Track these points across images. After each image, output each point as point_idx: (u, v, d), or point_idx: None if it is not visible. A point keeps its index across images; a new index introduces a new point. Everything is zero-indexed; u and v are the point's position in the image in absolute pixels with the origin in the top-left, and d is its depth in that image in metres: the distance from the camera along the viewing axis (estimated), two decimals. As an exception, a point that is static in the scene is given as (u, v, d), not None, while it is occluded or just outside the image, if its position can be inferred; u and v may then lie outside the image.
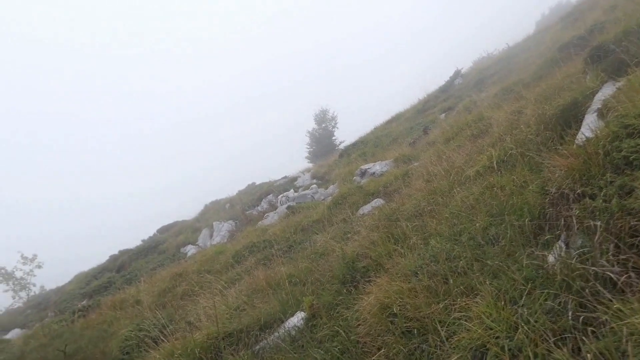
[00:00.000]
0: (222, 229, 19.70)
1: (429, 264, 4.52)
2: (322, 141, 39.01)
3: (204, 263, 11.90)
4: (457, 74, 25.14)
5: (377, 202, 10.78)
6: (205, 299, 8.20)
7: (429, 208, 6.49)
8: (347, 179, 15.72)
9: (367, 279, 5.49)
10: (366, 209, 10.63)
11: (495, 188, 5.64)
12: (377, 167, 14.05)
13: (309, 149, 40.09)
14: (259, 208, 19.38)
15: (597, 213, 3.10)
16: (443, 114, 20.63)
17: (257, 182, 29.63)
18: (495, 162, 6.62)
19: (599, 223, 2.89)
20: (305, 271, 7.41)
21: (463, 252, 4.51)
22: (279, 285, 7.12)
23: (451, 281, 3.97)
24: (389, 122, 27.00)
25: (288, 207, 14.59)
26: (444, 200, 6.43)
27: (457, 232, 5.14)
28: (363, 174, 14.20)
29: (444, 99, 23.59)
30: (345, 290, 5.57)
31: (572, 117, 5.84)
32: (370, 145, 22.20)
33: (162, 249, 21.72)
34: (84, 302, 16.91)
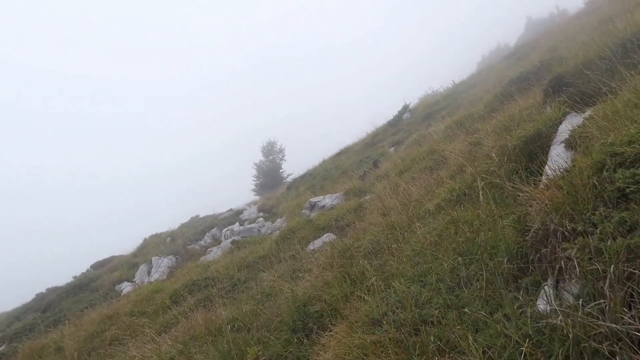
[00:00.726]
0: (162, 265, 18.41)
1: (395, 310, 3.91)
2: (269, 174, 38.30)
3: (138, 303, 10.78)
4: (406, 108, 25.34)
5: (328, 236, 10.17)
6: (136, 347, 7.23)
7: (387, 244, 5.94)
8: (296, 212, 15.08)
9: (321, 327, 4.82)
10: (317, 244, 10.00)
11: (459, 223, 5.17)
12: (327, 200, 13.51)
13: (255, 181, 39.23)
14: (202, 242, 18.31)
15: (604, 254, 2.61)
16: (392, 148, 20.54)
17: (201, 215, 28.40)
18: (456, 195, 6.21)
19: (611, 267, 2.38)
20: (250, 315, 6.64)
21: (432, 296, 3.94)
22: (220, 331, 6.31)
23: (424, 333, 3.37)
24: (337, 155, 26.73)
25: (233, 242, 13.73)
26: (403, 236, 5.90)
27: (422, 273, 4.59)
28: (312, 207, 13.61)
29: (392, 133, 23.60)
30: (296, 340, 4.86)
31: (537, 148, 5.52)
32: (319, 178, 21.74)
33: (95, 286, 20.02)
34: (1, 347, 15.13)
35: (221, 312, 7.01)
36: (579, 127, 5.07)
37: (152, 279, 17.57)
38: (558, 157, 4.94)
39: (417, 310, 3.77)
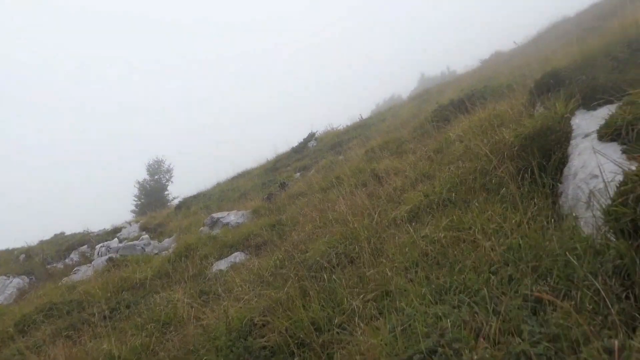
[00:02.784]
0: (9, 286, 14.86)
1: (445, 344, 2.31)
2: (153, 194, 34.83)
3: (-36, 332, 7.90)
4: (312, 136, 24.28)
5: (237, 256, 8.32)
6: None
7: (352, 256, 4.36)
8: (191, 230, 12.89)
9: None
10: (222, 264, 8.09)
11: (468, 229, 3.79)
12: (232, 217, 11.60)
13: (136, 201, 35.45)
14: (68, 261, 15.11)
15: None
16: (298, 173, 19.18)
17: (68, 233, 24.43)
18: (437, 200, 4.86)
19: None
20: (142, 351, 4.60)
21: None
22: (94, 376, 4.22)
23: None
24: (235, 178, 24.73)
25: (109, 259, 11.16)
26: (376, 246, 4.36)
27: (437, 289, 3.06)
28: (214, 223, 11.59)
29: (297, 159, 22.28)
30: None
31: (552, 143, 4.40)
32: (215, 198, 19.63)
33: None
34: None
35: (98, 345, 4.87)
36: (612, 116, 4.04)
37: (-6, 303, 14.05)
38: (588, 151, 3.89)
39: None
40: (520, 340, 2.09)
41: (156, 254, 12.62)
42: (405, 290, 3.22)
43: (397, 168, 8.43)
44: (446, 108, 12.40)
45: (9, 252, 21.31)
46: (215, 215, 11.91)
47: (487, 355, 2.01)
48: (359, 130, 22.08)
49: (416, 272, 3.54)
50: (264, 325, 3.66)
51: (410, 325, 2.65)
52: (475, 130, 6.07)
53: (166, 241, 14.27)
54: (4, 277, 15.70)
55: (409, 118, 18.37)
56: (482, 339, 2.21)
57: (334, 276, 3.86)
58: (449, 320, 2.43)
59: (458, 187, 4.94)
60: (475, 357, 2.00)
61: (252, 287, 4.73)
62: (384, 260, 3.80)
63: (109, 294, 8.03)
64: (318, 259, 4.70)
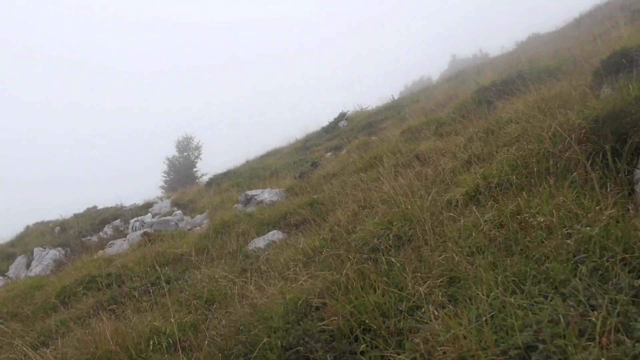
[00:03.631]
0: (46, 257, 15.22)
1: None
2: (182, 171, 35.13)
3: (8, 302, 8.03)
4: (342, 116, 23.98)
5: (275, 235, 8.22)
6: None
7: (408, 237, 4.17)
8: (224, 207, 12.86)
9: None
10: (260, 242, 8.00)
11: (536, 214, 3.55)
12: (265, 194, 11.51)
13: (165, 178, 35.84)
14: (102, 234, 15.32)
15: None
16: (329, 153, 18.98)
17: (100, 207, 24.84)
18: (495, 183, 4.62)
19: None
20: (188, 328, 4.53)
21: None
22: (142, 351, 4.15)
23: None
24: (264, 156, 24.71)
25: (144, 234, 11.21)
26: (434, 229, 4.16)
27: (514, 278, 2.85)
28: (248, 201, 11.52)
29: (328, 139, 22.06)
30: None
31: (627, 126, 4.09)
32: (245, 176, 19.55)
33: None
34: None
35: (141, 319, 4.82)
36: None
37: (31, 274, 14.39)
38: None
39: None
40: (635, 342, 1.88)
41: (189, 229, 12.66)
42: (476, 277, 3.02)
43: (442, 149, 8.15)
44: (488, 89, 11.98)
45: (44, 225, 21.81)
46: (249, 192, 11.84)
47: (600, 357, 1.81)
48: (392, 111, 21.68)
49: (483, 258, 3.34)
50: (318, 308, 3.51)
51: (494, 316, 2.46)
52: (532, 111, 5.75)
53: (198, 217, 14.31)
54: (41, 249, 16.09)
55: (444, 99, 17.90)
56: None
57: (393, 259, 3.67)
58: (544, 314, 2.23)
59: (520, 169, 4.67)
60: (590, 357, 1.79)
61: (299, 266, 4.58)
62: (449, 244, 3.59)
63: (147, 269, 8.04)
64: (370, 239, 4.52)
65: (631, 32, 7.67)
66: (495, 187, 4.61)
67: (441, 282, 3.19)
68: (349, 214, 5.99)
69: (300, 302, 3.60)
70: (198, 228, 12.78)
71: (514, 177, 4.53)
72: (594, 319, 2.10)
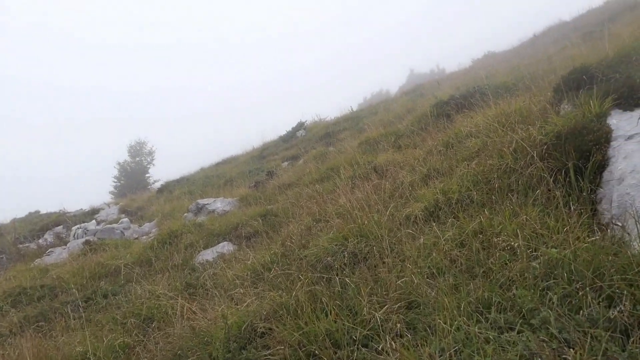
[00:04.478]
0: (-23, 265, 14.13)
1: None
2: (133, 176, 33.93)
3: None
4: (301, 125, 23.69)
5: (225, 246, 7.82)
6: None
7: (363, 255, 3.90)
8: (174, 216, 12.29)
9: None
10: (207, 254, 7.58)
11: (498, 234, 3.36)
12: (218, 203, 11.06)
13: (116, 183, 34.51)
14: (42, 241, 14.35)
15: None
16: (286, 162, 18.65)
17: (43, 212, 23.52)
18: (456, 198, 4.43)
19: None
20: (121, 350, 4.09)
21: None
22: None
23: None
24: (219, 164, 24.10)
25: (86, 243, 10.52)
26: (391, 247, 3.90)
27: (476, 304, 2.62)
28: (199, 210, 11.03)
29: (285, 148, 21.72)
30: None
31: (589, 143, 3.99)
32: (199, 184, 18.96)
33: None
34: None
35: (71, 339, 4.34)
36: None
37: (-40, 282, 13.30)
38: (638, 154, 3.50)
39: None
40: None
41: (136, 238, 12.02)
42: (436, 302, 2.77)
43: (400, 162, 8.00)
44: (447, 103, 12.00)
45: (-22, 229, 20.41)
46: (201, 201, 11.35)
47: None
48: (350, 122, 21.57)
49: (444, 280, 3.10)
50: (264, 334, 3.17)
51: (459, 350, 2.20)
52: (493, 125, 5.63)
53: (146, 225, 13.65)
54: (-28, 255, 14.94)
55: (403, 112, 17.91)
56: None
57: (347, 279, 3.38)
58: (515, 351, 1.98)
59: (481, 185, 4.51)
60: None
61: (246, 284, 4.23)
62: (408, 265, 3.33)
63: (84, 281, 7.47)
64: (323, 256, 4.22)
65: (588, 51, 7.77)
66: (456, 203, 4.42)
67: (399, 306, 2.92)
68: (302, 228, 5.68)
69: (244, 326, 3.25)
70: (145, 237, 12.15)
71: (475, 193, 4.35)
72: (570, 358, 1.87)
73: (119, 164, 34.63)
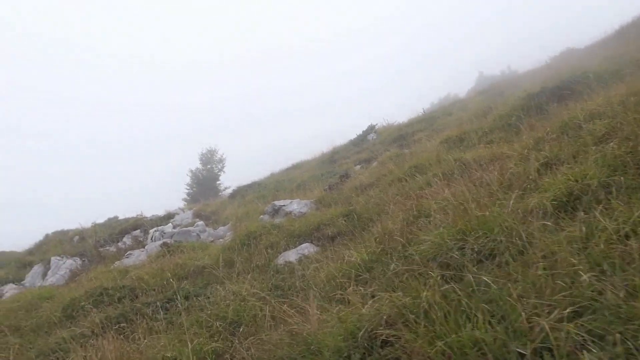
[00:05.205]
0: (63, 267, 14.54)
1: None
2: (205, 183, 34.60)
3: (11, 313, 7.26)
4: (371, 128, 23.11)
5: (307, 248, 7.32)
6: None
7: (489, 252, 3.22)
8: (249, 218, 12.00)
9: None
10: (290, 256, 7.10)
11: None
12: (294, 205, 10.64)
13: (188, 190, 35.32)
14: (121, 244, 14.61)
15: None
16: (359, 165, 18.08)
17: (121, 217, 24.26)
18: (600, 183, 3.65)
19: None
20: (209, 356, 3.63)
21: None
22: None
23: None
24: (289, 170, 23.92)
25: (163, 245, 10.42)
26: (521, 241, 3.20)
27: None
28: (276, 211, 10.67)
29: (357, 152, 21.18)
30: None
31: None
32: (270, 188, 18.77)
33: (-32, 286, 15.60)
34: None
35: (149, 344, 3.95)
36: None
37: (46, 283, 13.71)
38: None
39: None
40: None
41: (212, 241, 11.85)
42: (618, 308, 2.06)
43: (496, 155, 7.22)
44: (538, 95, 11.00)
45: (63, 234, 21.29)
46: (277, 202, 10.98)
47: None
48: (423, 123, 20.71)
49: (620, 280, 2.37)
50: (387, 343, 2.57)
51: None
52: (619, 107, 4.78)
53: (221, 229, 13.51)
54: (58, 258, 15.45)
55: (479, 111, 16.87)
56: None
57: (484, 277, 2.72)
58: None
59: (628, 169, 3.71)
60: None
61: (351, 285, 3.65)
62: (560, 261, 2.62)
63: (164, 282, 7.20)
64: (440, 252, 3.57)
65: None
66: (596, 190, 3.64)
67: (569, 313, 2.24)
68: (399, 225, 5.05)
69: (360, 333, 2.67)
70: (221, 240, 11.96)
71: (622, 178, 3.56)
72: None
73: (191, 171, 35.45)
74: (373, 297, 3.17)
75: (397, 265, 3.62)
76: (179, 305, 5.57)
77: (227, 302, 5.00)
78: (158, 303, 5.76)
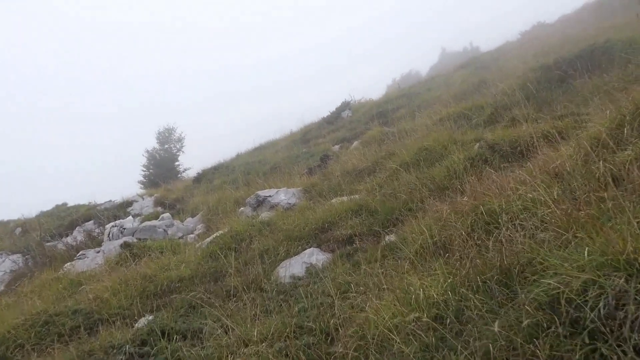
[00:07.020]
0: (2, 268, 12.55)
1: None
2: (163, 164, 32.17)
3: None
4: (346, 105, 21.60)
5: (314, 254, 5.84)
6: None
7: None
8: (223, 209, 10.34)
9: None
10: (294, 267, 5.60)
11: None
12: (281, 195, 9.08)
13: (145, 172, 32.80)
14: (70, 240, 12.59)
15: None
16: (337, 146, 16.60)
17: (70, 204, 21.91)
18: None
19: None
20: None
21: None
22: None
23: None
24: (258, 149, 22.17)
25: (124, 245, 8.64)
26: None
27: None
28: (260, 203, 9.07)
29: (331, 130, 19.67)
30: None
31: None
32: (240, 171, 17.01)
33: None
34: None
35: None
36: None
37: (-19, 288, 11.67)
38: None
39: None
40: None
41: (181, 237, 10.16)
42: None
43: (546, 134, 5.90)
44: (557, 68, 9.77)
45: (3, 225, 18.89)
46: (261, 193, 9.37)
47: None
48: (403, 100, 19.38)
49: None
50: None
51: None
52: None
53: (190, 220, 11.79)
54: (-5, 256, 13.36)
55: (471, 86, 15.68)
56: None
57: None
58: None
59: None
60: None
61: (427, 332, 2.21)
62: None
63: (130, 303, 5.58)
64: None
65: None
66: None
67: None
68: (463, 230, 3.61)
69: None
70: (192, 235, 10.29)
71: None
72: None
73: (147, 151, 32.85)
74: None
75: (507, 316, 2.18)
76: (160, 351, 3.99)
77: (232, 349, 3.47)
78: (127, 348, 4.13)
